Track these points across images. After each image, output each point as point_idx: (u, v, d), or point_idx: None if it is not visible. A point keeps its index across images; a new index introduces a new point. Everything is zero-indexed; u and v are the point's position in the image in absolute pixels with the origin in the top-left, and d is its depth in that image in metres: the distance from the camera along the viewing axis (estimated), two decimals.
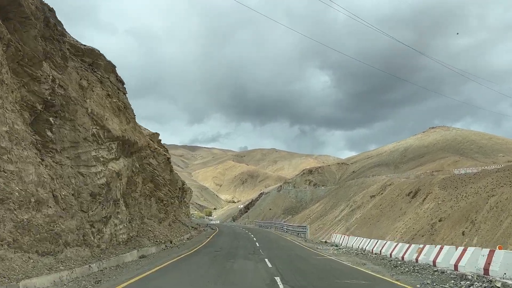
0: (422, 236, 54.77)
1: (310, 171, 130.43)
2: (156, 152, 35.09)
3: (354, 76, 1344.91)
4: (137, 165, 25.40)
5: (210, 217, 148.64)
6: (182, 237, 30.96)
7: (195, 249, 24.42)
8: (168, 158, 39.09)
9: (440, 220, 55.32)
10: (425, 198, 67.91)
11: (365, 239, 28.45)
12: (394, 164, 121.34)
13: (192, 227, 44.49)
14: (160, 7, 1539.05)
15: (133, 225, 21.67)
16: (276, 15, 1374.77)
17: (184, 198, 59.84)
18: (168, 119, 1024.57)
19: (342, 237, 33.48)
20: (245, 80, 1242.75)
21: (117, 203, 18.82)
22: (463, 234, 43.99)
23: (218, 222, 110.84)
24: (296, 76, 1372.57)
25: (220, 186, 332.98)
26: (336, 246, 30.80)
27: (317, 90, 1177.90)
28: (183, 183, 57.07)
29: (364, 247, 26.30)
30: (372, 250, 24.46)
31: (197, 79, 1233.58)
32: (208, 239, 33.75)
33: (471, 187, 54.59)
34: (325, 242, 35.68)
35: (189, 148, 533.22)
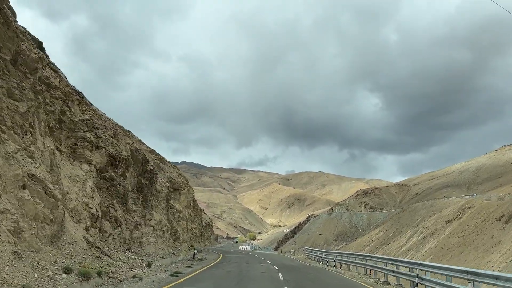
0: None
1: (365, 193, 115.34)
2: None
3: (406, 98, 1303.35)
4: None
5: (252, 242, 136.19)
6: None
7: None
8: None
9: None
10: None
11: None
12: (466, 185, 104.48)
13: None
14: (211, 34, 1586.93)
15: None
16: (326, 38, 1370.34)
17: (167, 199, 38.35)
18: (217, 142, 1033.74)
19: None
20: (293, 103, 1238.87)
21: None
22: None
23: (247, 248, 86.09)
24: (346, 99, 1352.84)
25: (266, 209, 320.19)
26: None
27: (368, 113, 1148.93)
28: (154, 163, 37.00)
29: None
30: None
31: (246, 103, 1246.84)
32: None
33: None
34: None
35: (235, 171, 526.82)
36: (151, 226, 28.49)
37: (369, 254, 27.22)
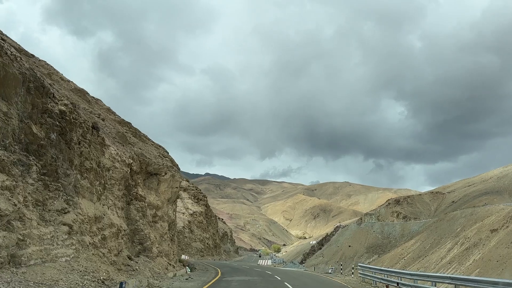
0: None
1: (397, 202, 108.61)
2: None
3: (433, 106, 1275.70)
4: None
5: (276, 254, 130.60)
6: None
7: None
8: None
9: None
10: None
11: None
12: (508, 192, 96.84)
13: None
14: (233, 47, 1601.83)
15: None
16: (349, 46, 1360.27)
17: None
18: (240, 154, 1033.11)
19: None
20: (316, 113, 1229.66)
21: None
22: None
23: (269, 262, 71.13)
24: (370, 108, 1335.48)
25: (290, 220, 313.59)
26: None
27: (393, 121, 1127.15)
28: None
29: None
30: None
31: (269, 113, 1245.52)
32: None
33: None
34: None
35: (259, 182, 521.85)
36: (64, 224, 15.63)
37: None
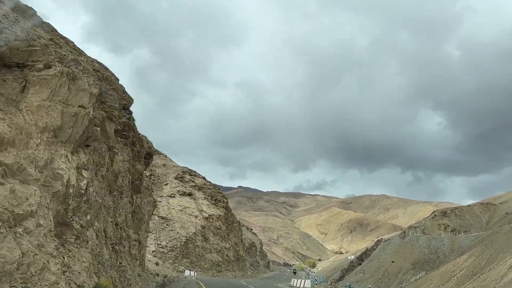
0: None
1: (444, 213, 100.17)
2: None
3: (473, 116, 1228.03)
4: None
5: (312, 269, 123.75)
6: None
7: None
8: None
9: None
10: None
11: None
12: None
13: None
14: (266, 60, 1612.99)
15: None
16: (384, 57, 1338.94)
17: None
18: (273, 167, 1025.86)
19: None
20: (351, 125, 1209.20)
21: None
22: None
23: (307, 284, 45.46)
24: (407, 118, 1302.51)
25: (325, 234, 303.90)
26: None
27: (431, 132, 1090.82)
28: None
29: None
30: None
31: (302, 126, 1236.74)
32: None
33: None
34: None
35: (292, 195, 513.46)
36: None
37: None
